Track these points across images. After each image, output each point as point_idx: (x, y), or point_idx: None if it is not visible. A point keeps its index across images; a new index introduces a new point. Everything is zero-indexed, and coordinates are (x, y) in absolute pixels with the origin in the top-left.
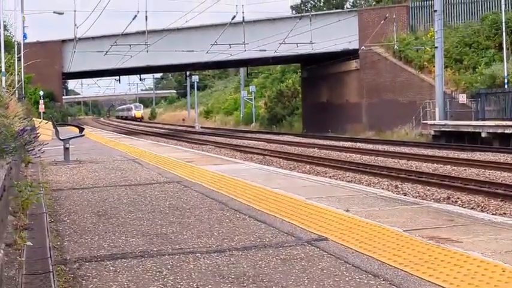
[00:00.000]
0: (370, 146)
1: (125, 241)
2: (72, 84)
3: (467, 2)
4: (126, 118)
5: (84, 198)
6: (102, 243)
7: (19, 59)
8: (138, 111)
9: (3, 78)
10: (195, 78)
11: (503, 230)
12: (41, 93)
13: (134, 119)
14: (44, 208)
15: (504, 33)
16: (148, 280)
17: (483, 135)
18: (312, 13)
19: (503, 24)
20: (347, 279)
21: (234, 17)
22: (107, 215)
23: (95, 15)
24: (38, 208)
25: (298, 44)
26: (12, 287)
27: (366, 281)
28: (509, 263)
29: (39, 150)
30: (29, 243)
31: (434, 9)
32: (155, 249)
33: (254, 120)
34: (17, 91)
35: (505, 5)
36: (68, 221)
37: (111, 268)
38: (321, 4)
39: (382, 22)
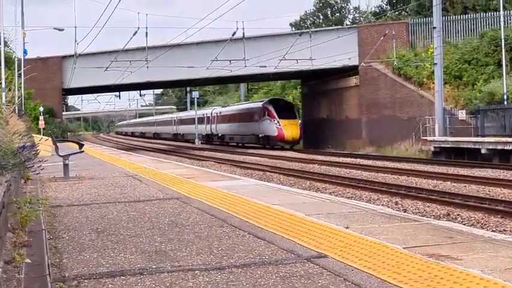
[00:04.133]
0: (370, 162)
1: (124, 258)
2: (72, 100)
3: (467, 19)
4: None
5: (83, 214)
6: (101, 261)
7: (19, 75)
8: None
9: (3, 94)
10: (196, 94)
11: (503, 247)
12: (41, 109)
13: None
14: (43, 225)
15: (503, 50)
16: None
17: (483, 151)
18: (312, 29)
19: (502, 41)
20: None
21: (235, 33)
22: (106, 232)
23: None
24: (37, 225)
25: (298, 60)
26: None
27: None
28: (508, 280)
29: (38, 166)
30: (27, 260)
31: (434, 26)
32: (154, 266)
33: None
34: (16, 107)
35: (504, 21)
36: (67, 237)
37: (110, 286)
38: (320, 21)
39: (381, 39)
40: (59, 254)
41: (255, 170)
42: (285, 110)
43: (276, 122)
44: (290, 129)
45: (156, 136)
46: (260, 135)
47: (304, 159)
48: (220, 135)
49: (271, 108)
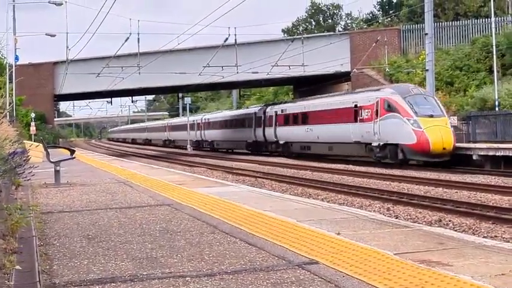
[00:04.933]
0: (362, 168)
1: (115, 265)
2: (63, 106)
3: (458, 25)
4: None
5: (74, 221)
6: (91, 267)
7: (11, 81)
8: None
9: None
10: (188, 100)
11: (494, 253)
12: (33, 115)
13: None
14: (33, 231)
15: (494, 56)
16: None
17: (474, 157)
18: (304, 36)
19: (494, 47)
20: None
21: (227, 39)
22: (96, 239)
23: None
24: (27, 231)
25: (291, 66)
26: None
27: None
28: (499, 286)
29: (29, 173)
30: (18, 267)
31: (425, 32)
32: (145, 273)
33: None
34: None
35: (495, 28)
36: (58, 244)
37: None
38: (313, 27)
39: (373, 45)
40: (50, 260)
41: (247, 176)
42: (423, 103)
43: (412, 121)
44: (438, 133)
45: (147, 142)
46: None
47: (297, 165)
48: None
49: (398, 99)
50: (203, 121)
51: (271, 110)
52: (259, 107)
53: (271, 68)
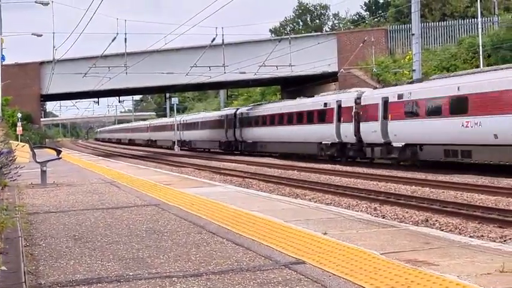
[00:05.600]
0: (349, 169)
1: (101, 265)
2: (50, 106)
3: (445, 25)
4: None
5: (60, 221)
6: (77, 268)
7: None
8: None
9: None
10: (175, 100)
11: (479, 252)
12: (19, 115)
13: None
14: (19, 232)
15: (481, 57)
16: None
17: None
18: (291, 36)
19: (480, 47)
20: None
21: (214, 39)
22: (83, 239)
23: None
24: (13, 232)
25: (278, 67)
26: None
27: None
28: (484, 285)
29: (15, 173)
30: (3, 267)
31: (412, 32)
32: (131, 273)
33: None
34: None
35: (482, 28)
36: (44, 245)
37: None
38: (300, 27)
39: (360, 45)
40: (36, 261)
41: (234, 176)
42: None
43: None
44: None
45: (131, 142)
46: None
47: (284, 165)
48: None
49: None
50: (182, 122)
51: (240, 113)
52: (232, 110)
53: (258, 68)
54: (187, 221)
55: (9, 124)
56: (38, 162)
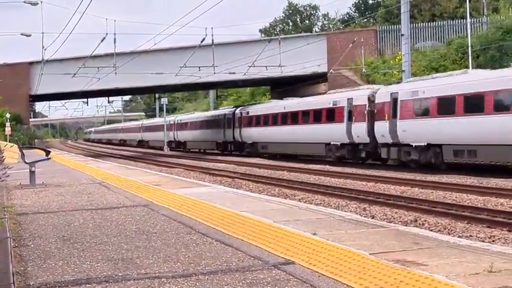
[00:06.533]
0: (339, 169)
1: (90, 266)
2: (39, 106)
3: (434, 26)
4: None
5: (49, 222)
6: (66, 268)
7: None
8: None
9: None
10: (164, 100)
11: (468, 252)
12: (8, 115)
13: None
14: (8, 233)
15: (470, 57)
16: None
17: None
18: (281, 36)
19: (469, 48)
20: None
21: (204, 39)
22: (72, 240)
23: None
24: (2, 232)
25: (268, 67)
26: None
27: None
28: (472, 285)
29: (4, 173)
30: None
31: (402, 33)
32: (120, 274)
33: None
34: None
35: (471, 29)
36: (32, 245)
37: None
38: (290, 28)
39: (350, 46)
40: (24, 262)
41: (224, 176)
42: None
43: None
44: None
45: (122, 143)
46: None
47: (274, 165)
48: None
49: None
50: (176, 122)
51: (239, 112)
52: (230, 109)
53: (248, 69)
54: (176, 221)
55: None
56: (27, 163)
